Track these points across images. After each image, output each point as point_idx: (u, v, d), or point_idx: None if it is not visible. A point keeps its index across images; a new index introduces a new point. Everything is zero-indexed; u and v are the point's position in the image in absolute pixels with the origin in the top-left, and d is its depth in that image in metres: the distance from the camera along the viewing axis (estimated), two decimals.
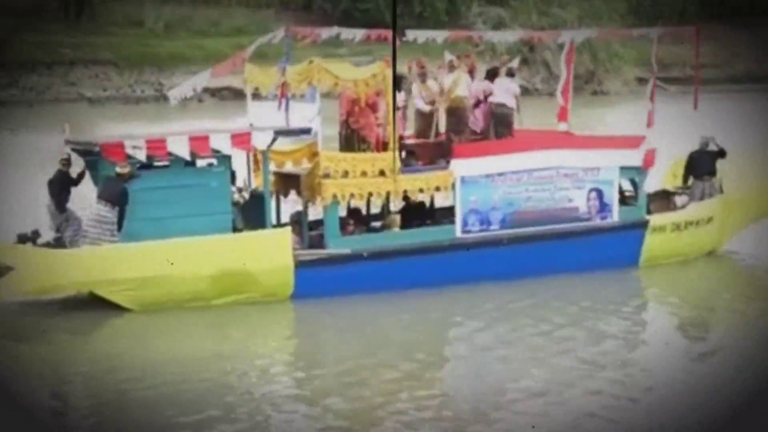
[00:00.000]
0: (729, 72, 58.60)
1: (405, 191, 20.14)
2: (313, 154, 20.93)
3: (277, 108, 19.96)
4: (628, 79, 59.62)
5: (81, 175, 19.68)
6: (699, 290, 21.24)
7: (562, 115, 22.46)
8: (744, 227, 23.08)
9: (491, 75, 21.68)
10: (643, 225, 21.61)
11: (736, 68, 56.20)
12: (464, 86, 21.08)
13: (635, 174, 21.65)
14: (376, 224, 21.24)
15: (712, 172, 22.69)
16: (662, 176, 23.54)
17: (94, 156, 19.17)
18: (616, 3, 62.84)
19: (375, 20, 61.25)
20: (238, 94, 57.68)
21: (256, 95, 20.94)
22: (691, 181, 22.86)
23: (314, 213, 20.83)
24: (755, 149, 24.35)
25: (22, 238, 19.02)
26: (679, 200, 22.80)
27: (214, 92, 58.04)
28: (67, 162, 19.54)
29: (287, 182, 20.54)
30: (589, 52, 53.99)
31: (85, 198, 19.97)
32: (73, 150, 19.53)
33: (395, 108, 20.07)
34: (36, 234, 19.17)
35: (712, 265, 22.44)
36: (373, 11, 61.87)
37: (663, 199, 22.79)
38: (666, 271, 21.74)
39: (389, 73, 19.71)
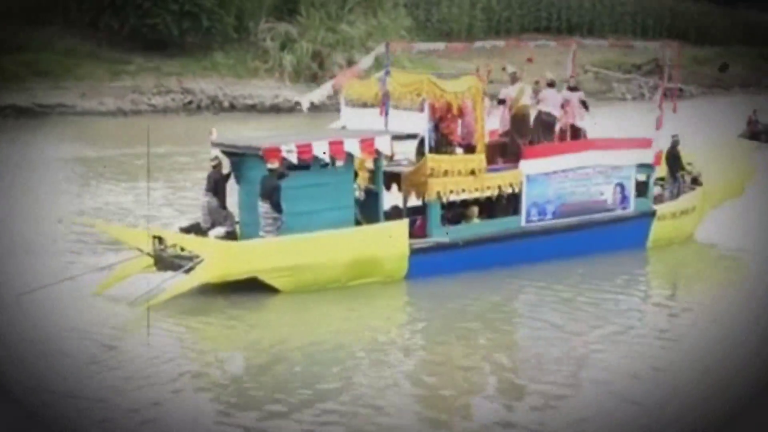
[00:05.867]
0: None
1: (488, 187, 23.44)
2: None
3: (378, 115, 23.02)
4: None
5: (228, 176, 22.03)
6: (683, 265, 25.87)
7: None
8: (709, 212, 27.58)
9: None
10: (652, 214, 25.75)
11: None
12: (528, 96, 24.59)
13: (647, 170, 25.78)
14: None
15: (681, 167, 27.09)
16: None
17: (237, 158, 21.64)
18: (403, 19, 64.93)
19: (163, 36, 62.72)
20: (23, 112, 58.21)
21: (349, 102, 23.77)
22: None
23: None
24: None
25: (186, 231, 21.21)
26: (657, 190, 27.00)
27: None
28: (218, 163, 21.81)
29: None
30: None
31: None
32: (223, 152, 21.84)
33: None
34: (196, 227, 21.33)
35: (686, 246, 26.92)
36: (161, 27, 62.36)
37: None
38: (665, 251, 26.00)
39: (481, 85, 23.04)
